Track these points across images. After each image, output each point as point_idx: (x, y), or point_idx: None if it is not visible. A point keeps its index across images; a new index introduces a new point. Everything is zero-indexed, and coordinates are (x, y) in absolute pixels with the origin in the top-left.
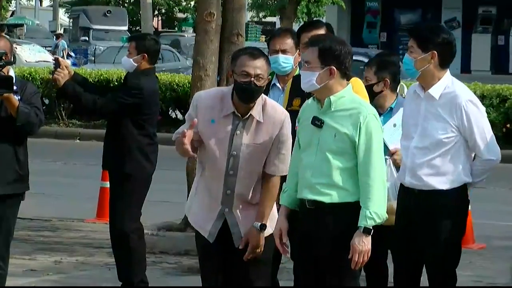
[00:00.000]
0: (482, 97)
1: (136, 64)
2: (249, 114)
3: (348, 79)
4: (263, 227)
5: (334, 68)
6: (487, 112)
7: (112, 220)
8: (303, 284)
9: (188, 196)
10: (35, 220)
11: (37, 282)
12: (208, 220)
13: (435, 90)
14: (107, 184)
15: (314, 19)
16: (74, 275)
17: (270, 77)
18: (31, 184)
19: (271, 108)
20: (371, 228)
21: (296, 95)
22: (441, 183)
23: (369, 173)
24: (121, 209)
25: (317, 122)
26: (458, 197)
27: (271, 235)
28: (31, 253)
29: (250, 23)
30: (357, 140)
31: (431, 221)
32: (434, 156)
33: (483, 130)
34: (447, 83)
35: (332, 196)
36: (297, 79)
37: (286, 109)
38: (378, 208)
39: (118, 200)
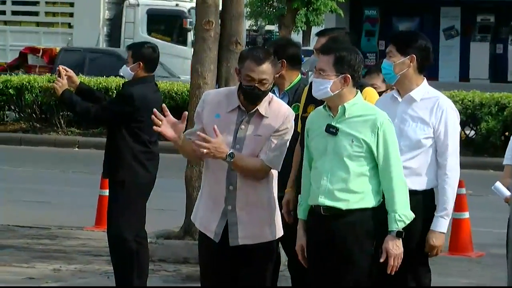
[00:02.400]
0: (480, 105)
1: (132, 73)
2: (255, 109)
3: (360, 87)
4: (232, 154)
5: (349, 76)
6: (485, 120)
7: (109, 227)
8: None
9: (186, 203)
10: (34, 228)
11: None
12: (213, 220)
13: (416, 93)
14: (106, 192)
15: (333, 27)
16: (73, 283)
17: None
18: (30, 192)
19: (277, 104)
20: (402, 230)
21: (311, 102)
22: (416, 184)
23: (391, 177)
24: (116, 216)
25: (332, 130)
26: (431, 198)
27: (271, 242)
28: (30, 261)
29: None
30: (375, 145)
31: None
32: (411, 157)
33: (456, 139)
34: (427, 89)
35: (349, 202)
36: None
37: (301, 115)
38: (404, 209)
39: (113, 208)
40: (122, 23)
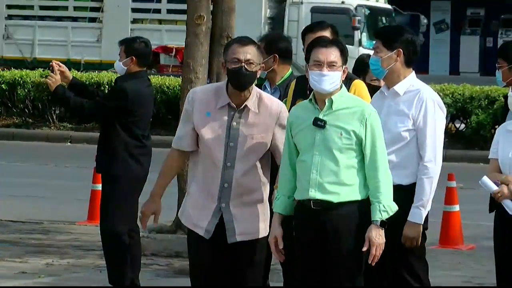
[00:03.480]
0: (470, 99)
1: (125, 67)
2: (244, 105)
3: (350, 80)
4: None
5: (347, 67)
6: (476, 114)
7: (102, 221)
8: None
9: (178, 198)
10: (27, 223)
11: (28, 285)
12: (204, 217)
13: (400, 87)
14: (98, 187)
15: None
16: (65, 277)
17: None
18: (23, 187)
19: (268, 100)
20: (385, 221)
21: (300, 96)
22: (401, 178)
23: (378, 167)
24: (109, 210)
25: (320, 123)
26: (413, 192)
27: (264, 238)
28: (23, 255)
29: None
30: (363, 136)
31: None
32: (392, 150)
33: (435, 131)
34: (412, 82)
35: (340, 195)
36: (301, 79)
37: (290, 108)
38: (389, 201)
39: (106, 202)
40: (285, 22)
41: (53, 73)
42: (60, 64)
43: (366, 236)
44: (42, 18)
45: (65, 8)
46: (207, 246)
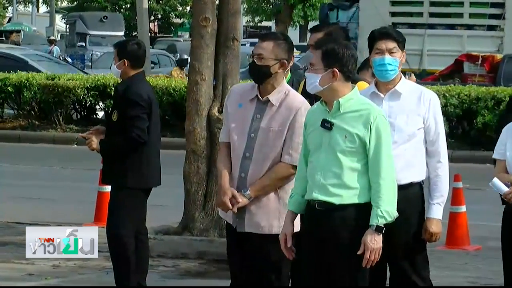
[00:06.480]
0: (477, 100)
1: (119, 70)
2: (266, 98)
3: (352, 82)
4: (246, 191)
5: (337, 71)
6: (482, 114)
7: (108, 223)
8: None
9: (185, 199)
10: (33, 224)
11: (35, 286)
12: None
13: (401, 87)
14: (105, 189)
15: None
16: (72, 279)
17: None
18: (29, 189)
19: (292, 96)
20: (382, 226)
21: (306, 96)
22: (414, 176)
23: (380, 172)
24: (117, 212)
25: (327, 125)
26: (422, 189)
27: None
28: (29, 257)
29: None
30: (367, 140)
31: (403, 215)
32: (405, 149)
33: (443, 129)
34: (406, 82)
35: (342, 197)
36: None
37: None
38: (389, 206)
39: (114, 204)
40: None
41: (86, 140)
42: (83, 135)
43: (362, 240)
44: (431, 26)
45: (460, 15)
46: (234, 235)
